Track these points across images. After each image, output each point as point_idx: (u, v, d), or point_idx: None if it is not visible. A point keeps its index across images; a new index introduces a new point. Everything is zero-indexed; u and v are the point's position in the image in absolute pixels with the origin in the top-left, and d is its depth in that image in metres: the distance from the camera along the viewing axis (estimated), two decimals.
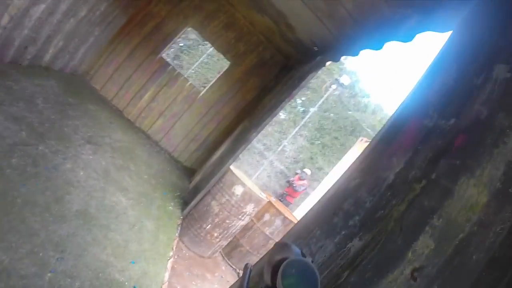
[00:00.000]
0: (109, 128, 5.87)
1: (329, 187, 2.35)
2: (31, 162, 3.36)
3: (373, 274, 1.40)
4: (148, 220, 4.38)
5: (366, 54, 4.35)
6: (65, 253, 2.73)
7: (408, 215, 1.47)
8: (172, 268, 4.28)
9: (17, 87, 4.36)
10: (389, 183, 1.71)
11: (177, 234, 4.82)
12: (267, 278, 1.21)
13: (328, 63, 5.42)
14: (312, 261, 1.24)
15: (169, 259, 4.08)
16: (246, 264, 1.52)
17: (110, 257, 3.20)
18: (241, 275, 1.41)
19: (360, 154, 2.23)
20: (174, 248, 4.43)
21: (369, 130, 10.09)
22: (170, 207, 5.33)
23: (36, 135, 3.79)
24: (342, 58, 4.95)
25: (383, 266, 1.39)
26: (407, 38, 2.98)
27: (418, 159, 1.62)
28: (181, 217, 5.35)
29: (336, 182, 2.29)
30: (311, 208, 2.36)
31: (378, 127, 9.83)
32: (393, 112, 2.22)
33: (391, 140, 2.00)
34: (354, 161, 2.24)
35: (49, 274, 2.43)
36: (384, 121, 11.03)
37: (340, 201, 2.00)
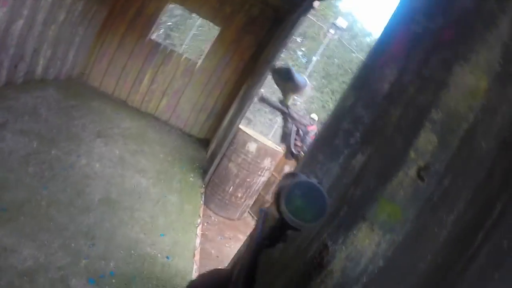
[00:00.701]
0: (116, 119, 6.05)
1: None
2: (47, 166, 3.58)
3: (377, 182, 1.35)
4: (171, 194, 4.61)
5: None
6: (96, 239, 2.97)
7: (405, 116, 1.44)
8: (203, 235, 4.54)
9: (17, 104, 4.54)
10: (385, 93, 1.67)
11: (202, 202, 5.05)
12: (274, 209, 1.10)
13: (316, 3, 5.28)
14: (319, 183, 1.13)
15: (197, 226, 4.32)
16: (261, 209, 1.45)
17: (140, 234, 3.44)
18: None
19: (354, 74, 2.22)
20: (201, 215, 4.68)
21: None
22: (191, 179, 5.54)
23: (46, 142, 3.99)
24: None
25: (385, 171, 1.34)
26: None
27: (412, 65, 1.58)
28: (203, 186, 5.57)
29: (335, 106, 2.24)
30: (318, 134, 2.37)
31: None
32: (384, 25, 2.12)
33: (381, 52, 1.95)
34: (349, 83, 2.19)
35: (84, 261, 2.67)
36: None
37: (339, 121, 1.96)
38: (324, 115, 10.33)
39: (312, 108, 10.65)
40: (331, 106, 10.53)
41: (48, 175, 3.45)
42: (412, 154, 1.26)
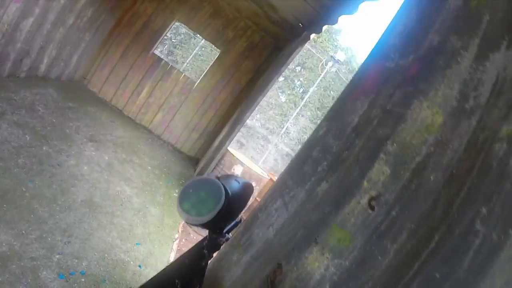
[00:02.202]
0: (110, 127, 6.17)
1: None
2: (37, 161, 3.66)
3: (332, 208, 1.40)
4: (153, 206, 4.67)
5: (344, 20, 4.48)
6: (72, 238, 3.02)
7: (364, 147, 1.48)
8: (179, 250, 4.55)
9: (17, 97, 4.67)
10: (354, 125, 1.71)
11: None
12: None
13: (312, 35, 5.57)
14: (218, 178, 1.15)
15: (174, 241, 4.36)
16: None
17: (116, 240, 3.48)
18: None
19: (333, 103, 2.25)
20: (180, 231, 4.72)
21: None
22: (175, 194, 5.60)
23: (39, 138, 4.09)
24: (324, 28, 5.09)
25: (340, 199, 1.39)
26: None
27: (380, 98, 1.63)
28: None
29: (308, 136, 2.27)
30: (291, 162, 2.35)
31: None
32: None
33: (355, 86, 2.03)
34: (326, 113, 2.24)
35: (57, 256, 2.71)
36: None
37: (310, 149, 2.02)
38: None
39: (304, 138, 10.85)
40: None
41: (36, 169, 3.52)
42: (365, 183, 1.30)
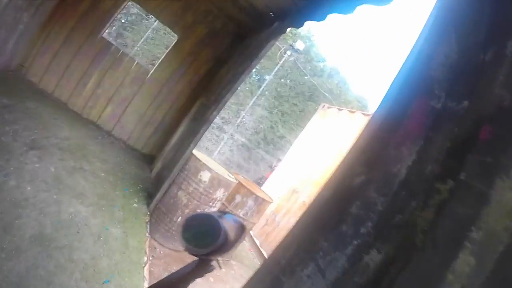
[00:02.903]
0: (54, 126, 5.23)
1: (323, 185, 1.97)
2: None
3: None
4: (113, 225, 4.02)
5: (334, 18, 4.10)
6: None
7: (440, 226, 1.27)
8: (150, 272, 4.03)
9: None
10: (402, 179, 1.49)
11: (147, 234, 4.51)
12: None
13: (288, 29, 5.12)
14: (219, 216, 1.29)
15: (144, 266, 3.81)
16: None
17: (80, 283, 2.86)
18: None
19: (358, 140, 1.94)
20: (147, 251, 4.15)
21: (326, 94, 10.05)
22: (134, 205, 4.96)
23: None
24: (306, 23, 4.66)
25: None
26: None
27: (433, 150, 1.41)
28: (148, 213, 5.03)
29: (332, 178, 1.95)
30: (306, 210, 2.01)
31: (335, 91, 9.80)
32: (389, 87, 1.93)
33: (395, 125, 1.72)
34: (351, 151, 1.93)
35: None
36: (341, 85, 11.07)
37: (345, 203, 1.71)
38: (272, 136, 10.26)
39: (261, 128, 10.52)
40: (280, 127, 10.50)
41: None
42: (450, 277, 1.14)
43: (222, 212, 1.41)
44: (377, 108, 1.94)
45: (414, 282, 1.24)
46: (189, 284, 1.43)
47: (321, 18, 3.96)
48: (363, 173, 1.71)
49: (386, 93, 1.91)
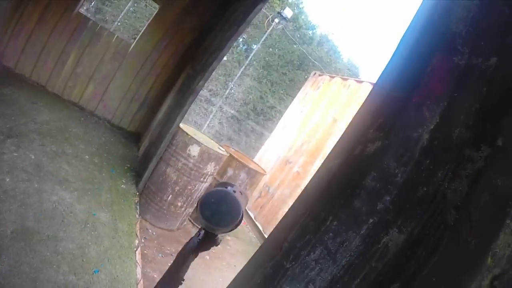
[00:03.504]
0: (32, 111, 4.91)
1: (329, 151, 1.74)
2: None
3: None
4: (101, 209, 3.85)
5: None
6: None
7: (476, 201, 1.11)
8: (143, 255, 3.90)
9: None
10: (424, 145, 1.30)
11: (137, 216, 4.34)
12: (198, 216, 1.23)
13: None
14: (234, 191, 1.28)
15: (136, 250, 3.66)
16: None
17: (69, 276, 2.71)
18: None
19: (368, 102, 1.70)
20: (138, 234, 3.99)
21: (316, 62, 9.71)
22: (122, 186, 4.77)
23: None
24: None
25: (455, 278, 1.09)
26: None
27: (460, 112, 1.24)
28: (137, 194, 4.84)
29: (340, 146, 1.71)
30: (310, 184, 1.76)
31: (326, 59, 9.49)
32: (399, 43, 1.71)
33: (413, 83, 1.50)
34: (361, 113, 1.70)
35: None
36: (331, 53, 10.71)
37: (358, 174, 1.49)
38: (262, 106, 9.99)
39: (250, 98, 10.21)
40: (269, 97, 10.21)
41: None
42: (489, 260, 1.02)
43: (227, 184, 1.38)
44: (387, 65, 1.72)
45: (448, 267, 1.09)
46: (194, 258, 1.40)
47: None
48: (377, 138, 1.49)
49: (397, 49, 1.70)
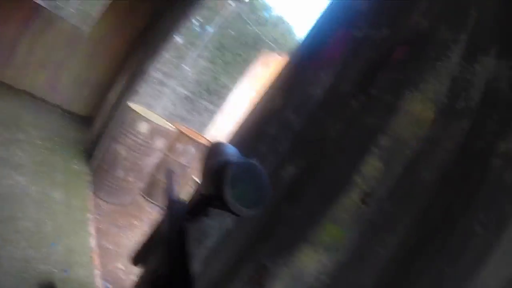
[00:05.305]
0: None
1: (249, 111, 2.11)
2: None
3: (320, 205, 1.26)
4: (55, 190, 4.22)
5: None
6: None
7: (349, 136, 1.33)
8: (98, 229, 4.29)
9: None
10: (319, 100, 1.53)
11: (90, 193, 4.72)
12: (211, 188, 0.90)
13: None
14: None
15: (89, 222, 4.07)
16: (168, 169, 1.27)
17: (28, 251, 3.08)
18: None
19: (282, 71, 1.99)
20: (91, 208, 4.39)
21: (271, 43, 10.07)
22: (75, 166, 5.13)
23: None
24: None
25: (329, 194, 1.25)
26: None
27: (350, 72, 1.47)
28: (90, 173, 5.18)
29: (256, 104, 2.06)
30: (234, 135, 2.08)
31: (281, 40, 9.87)
32: (314, 23, 1.98)
33: (315, 53, 1.80)
34: (275, 79, 2.00)
35: None
36: (286, 34, 11.06)
37: (263, 124, 1.79)
38: (216, 87, 10.31)
39: (203, 79, 10.49)
40: (223, 79, 10.52)
41: None
42: (357, 179, 1.20)
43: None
44: (303, 41, 2.03)
45: (323, 186, 1.30)
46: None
47: None
48: (281, 97, 1.81)
49: (312, 28, 2.00)
